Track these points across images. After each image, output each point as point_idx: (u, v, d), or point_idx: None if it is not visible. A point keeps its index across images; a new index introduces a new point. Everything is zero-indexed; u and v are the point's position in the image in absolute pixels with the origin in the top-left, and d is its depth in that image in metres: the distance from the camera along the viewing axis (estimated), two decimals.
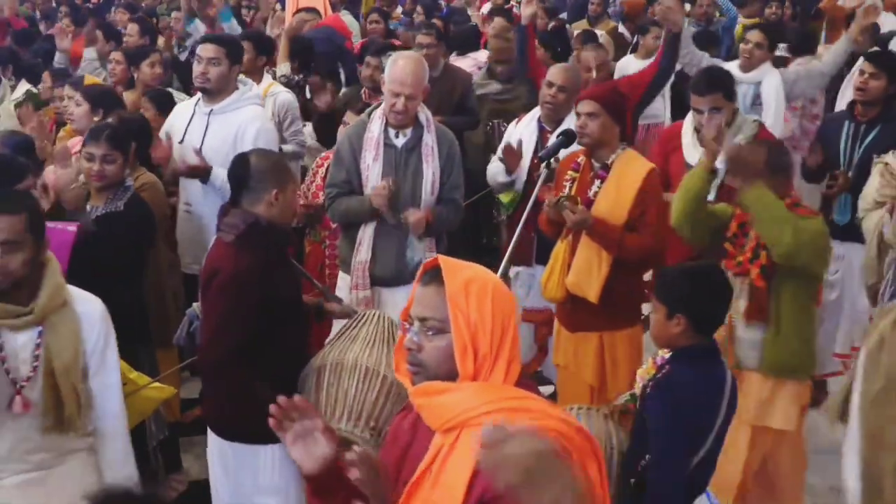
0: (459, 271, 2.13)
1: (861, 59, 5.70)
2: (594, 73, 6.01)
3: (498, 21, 6.94)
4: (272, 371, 3.43)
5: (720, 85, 4.54)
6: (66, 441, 3.13)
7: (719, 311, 3.26)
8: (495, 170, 5.26)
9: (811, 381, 4.00)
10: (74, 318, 3.11)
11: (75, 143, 5.27)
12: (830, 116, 5.58)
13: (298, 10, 8.74)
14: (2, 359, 3.02)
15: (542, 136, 5.11)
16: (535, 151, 5.07)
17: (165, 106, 5.68)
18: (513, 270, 5.20)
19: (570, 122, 4.96)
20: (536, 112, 5.23)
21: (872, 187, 4.69)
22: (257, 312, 3.37)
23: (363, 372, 3.42)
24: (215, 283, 3.41)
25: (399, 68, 4.37)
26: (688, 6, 9.72)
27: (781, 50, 7.90)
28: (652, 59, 7.29)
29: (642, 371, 3.33)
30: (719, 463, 3.88)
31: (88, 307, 3.18)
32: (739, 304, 3.81)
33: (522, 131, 5.22)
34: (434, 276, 2.15)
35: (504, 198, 5.25)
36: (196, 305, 3.68)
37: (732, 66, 5.99)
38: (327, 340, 3.79)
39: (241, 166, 3.56)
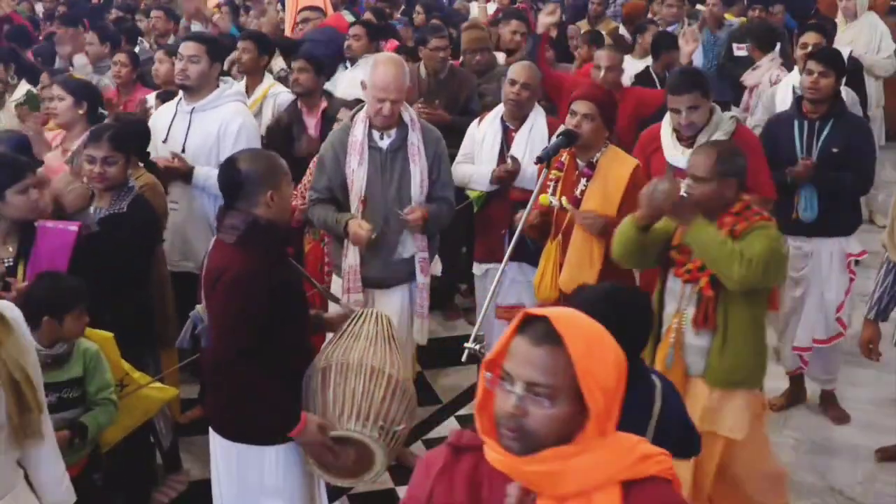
0: (577, 329, 1.92)
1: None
2: (602, 73, 5.96)
3: (474, 19, 6.87)
4: (278, 369, 3.41)
5: (696, 84, 4.54)
6: (16, 455, 3.01)
7: (636, 338, 3.02)
8: (470, 174, 5.17)
9: (760, 390, 3.89)
10: (10, 325, 2.95)
11: (55, 136, 5.26)
12: (777, 116, 5.48)
13: (302, 9, 8.74)
14: None
15: (507, 134, 5.10)
16: (501, 150, 5.06)
17: None
18: (481, 268, 5.22)
19: (532, 120, 5.03)
20: (500, 110, 5.19)
21: None
22: (266, 311, 3.34)
23: (369, 371, 3.41)
24: (221, 284, 3.37)
25: (381, 74, 4.36)
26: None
27: (745, 50, 7.91)
28: (649, 59, 7.37)
29: None
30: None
31: (14, 312, 3.02)
32: (689, 311, 3.76)
33: (486, 129, 5.20)
34: (545, 333, 1.89)
35: (473, 193, 5.23)
36: (200, 307, 3.61)
37: (796, 77, 5.93)
38: (328, 339, 3.77)
39: (232, 172, 3.46)
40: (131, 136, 4.55)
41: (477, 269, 5.27)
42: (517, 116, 5.09)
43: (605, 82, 5.84)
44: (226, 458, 3.60)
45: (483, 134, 5.19)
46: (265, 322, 3.35)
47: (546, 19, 6.21)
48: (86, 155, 4.31)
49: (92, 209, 4.29)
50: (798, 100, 5.22)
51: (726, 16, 9.04)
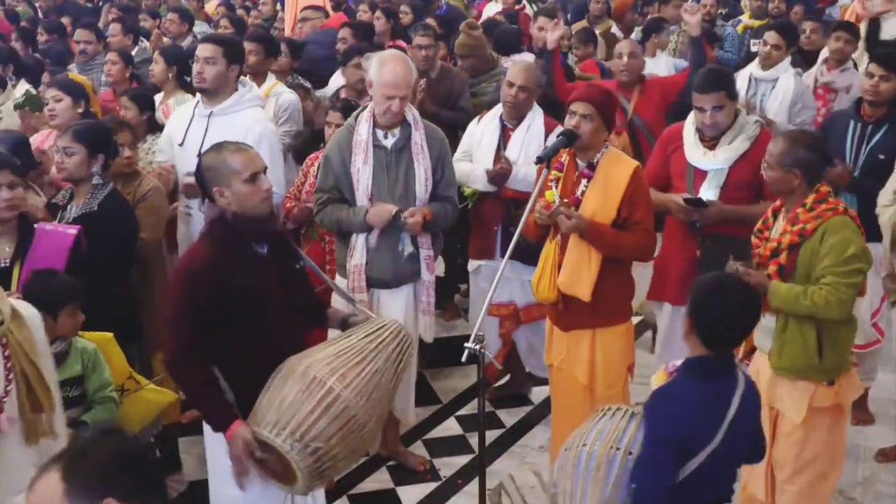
0: None
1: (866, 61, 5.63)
2: (625, 59, 6.05)
3: (467, 24, 6.94)
4: (234, 367, 3.43)
5: (723, 83, 4.52)
6: (33, 454, 3.10)
7: (730, 329, 3.12)
8: (468, 172, 5.18)
9: (829, 384, 3.77)
10: (24, 321, 3.08)
11: (47, 135, 5.25)
12: (835, 114, 5.47)
13: (304, 9, 8.74)
14: None
15: (505, 133, 5.16)
16: (498, 148, 5.13)
17: (147, 106, 5.64)
18: (473, 264, 5.26)
19: (530, 120, 5.10)
20: (498, 110, 5.25)
21: (894, 181, 4.62)
22: (210, 308, 3.30)
23: (309, 380, 3.27)
24: (172, 276, 3.49)
25: (390, 71, 4.38)
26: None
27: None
28: (661, 57, 7.40)
29: (655, 379, 3.26)
30: None
31: (30, 311, 3.16)
32: None
33: (485, 128, 5.24)
34: None
35: (467, 190, 5.24)
36: None
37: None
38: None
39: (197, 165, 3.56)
40: (98, 133, 4.45)
41: (470, 265, 5.32)
42: (515, 116, 5.14)
43: (627, 69, 6.01)
44: (207, 438, 3.67)
45: (481, 132, 5.24)
46: (211, 321, 3.33)
47: (555, 35, 6.24)
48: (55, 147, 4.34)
49: (68, 208, 4.32)
50: (858, 100, 5.18)
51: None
